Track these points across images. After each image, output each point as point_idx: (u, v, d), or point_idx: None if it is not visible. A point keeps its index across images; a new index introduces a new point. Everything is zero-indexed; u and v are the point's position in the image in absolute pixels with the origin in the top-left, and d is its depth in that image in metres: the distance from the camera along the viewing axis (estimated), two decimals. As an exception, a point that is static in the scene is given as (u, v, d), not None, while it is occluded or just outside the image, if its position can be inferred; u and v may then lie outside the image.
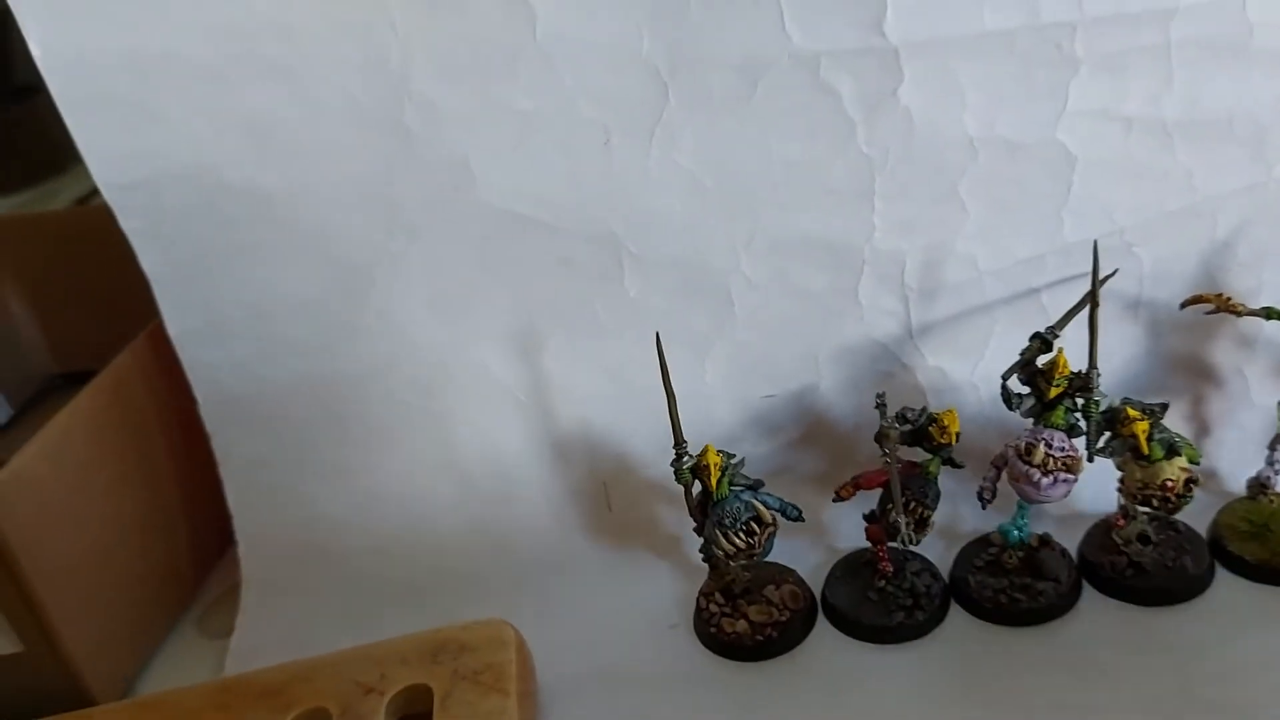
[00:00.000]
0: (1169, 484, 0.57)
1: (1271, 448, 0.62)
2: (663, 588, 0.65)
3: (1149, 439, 0.57)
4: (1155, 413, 0.57)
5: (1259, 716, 0.52)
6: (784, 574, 0.64)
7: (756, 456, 0.65)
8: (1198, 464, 0.59)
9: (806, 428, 0.68)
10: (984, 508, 0.62)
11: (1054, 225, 0.63)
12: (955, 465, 0.60)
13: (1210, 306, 0.62)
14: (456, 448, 0.66)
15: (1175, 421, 0.66)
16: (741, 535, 0.59)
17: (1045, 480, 0.57)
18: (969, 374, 0.65)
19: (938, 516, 0.61)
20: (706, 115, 0.60)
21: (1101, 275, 0.59)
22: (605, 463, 0.67)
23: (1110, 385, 0.62)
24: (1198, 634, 0.57)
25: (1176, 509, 0.58)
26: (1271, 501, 0.62)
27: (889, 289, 0.64)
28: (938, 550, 0.64)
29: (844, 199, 0.62)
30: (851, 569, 0.64)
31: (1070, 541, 0.63)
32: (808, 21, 0.58)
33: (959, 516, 0.65)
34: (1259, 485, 0.62)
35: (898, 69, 0.59)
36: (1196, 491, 0.59)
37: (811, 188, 0.62)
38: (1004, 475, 0.60)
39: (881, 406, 0.58)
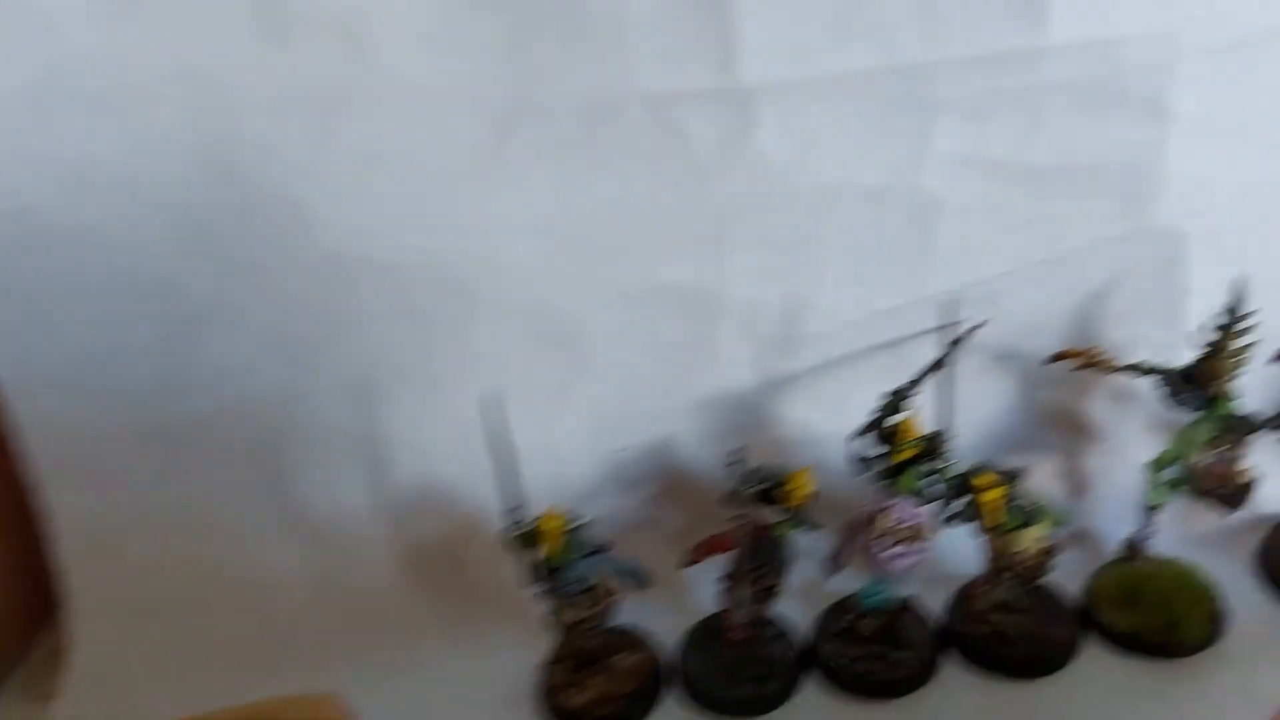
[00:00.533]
0: (1019, 556, 0.54)
1: (1144, 509, 0.59)
2: (511, 654, 0.61)
3: (1004, 505, 0.54)
4: (1010, 479, 0.54)
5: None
6: (636, 641, 0.60)
7: (614, 511, 0.63)
8: (1065, 526, 0.56)
9: (666, 482, 0.64)
10: (828, 577, 0.58)
11: (918, 275, 0.60)
12: (811, 526, 0.57)
13: (1078, 363, 0.59)
14: (296, 505, 0.63)
15: (1048, 479, 0.63)
16: (582, 605, 0.55)
17: (889, 552, 0.54)
18: (832, 427, 0.62)
19: (799, 578, 0.58)
20: (553, 159, 0.57)
21: (967, 327, 0.57)
22: (453, 521, 0.64)
23: (978, 441, 0.59)
24: (1063, 708, 0.55)
25: (1033, 579, 0.55)
26: (1145, 566, 0.59)
27: (747, 339, 0.61)
28: (799, 613, 0.61)
29: (698, 246, 0.59)
30: (708, 633, 0.60)
31: (937, 606, 0.60)
32: (656, 63, 0.55)
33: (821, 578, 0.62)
34: (1133, 548, 0.60)
35: (750, 112, 0.56)
36: (1072, 553, 0.56)
37: (664, 234, 0.59)
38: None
39: (735, 464, 0.56)
